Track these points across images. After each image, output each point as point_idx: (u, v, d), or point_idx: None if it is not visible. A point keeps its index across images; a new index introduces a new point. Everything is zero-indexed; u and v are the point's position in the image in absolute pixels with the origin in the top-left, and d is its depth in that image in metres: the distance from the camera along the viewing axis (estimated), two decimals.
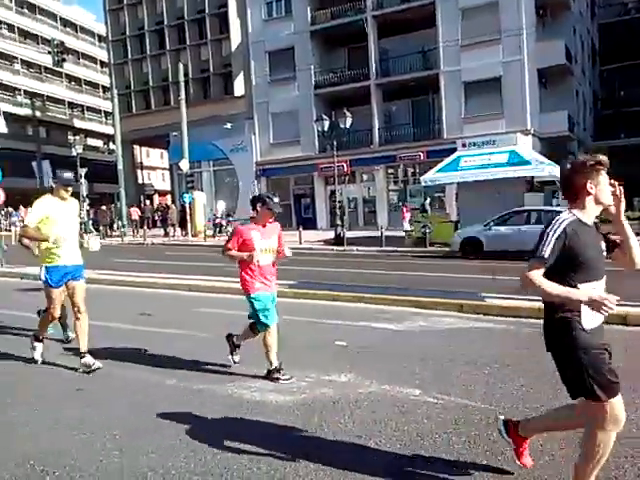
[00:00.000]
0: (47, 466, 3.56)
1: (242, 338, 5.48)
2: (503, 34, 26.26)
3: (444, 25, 27.57)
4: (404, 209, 24.23)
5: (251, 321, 5.31)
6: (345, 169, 28.80)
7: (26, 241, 6.93)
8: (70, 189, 5.67)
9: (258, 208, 5.11)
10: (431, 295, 8.96)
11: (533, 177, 19.29)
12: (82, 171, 30.80)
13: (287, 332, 6.83)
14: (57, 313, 5.75)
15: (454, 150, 21.52)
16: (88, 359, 5.55)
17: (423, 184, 21.64)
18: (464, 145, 21.16)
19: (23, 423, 4.32)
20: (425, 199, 25.63)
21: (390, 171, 30.95)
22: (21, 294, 10.60)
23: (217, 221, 29.22)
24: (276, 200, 5.18)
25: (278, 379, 5.07)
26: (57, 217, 5.49)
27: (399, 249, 18.97)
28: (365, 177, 31.71)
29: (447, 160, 20.93)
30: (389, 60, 30.31)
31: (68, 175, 5.75)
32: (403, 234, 21.17)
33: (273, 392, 4.82)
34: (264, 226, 5.15)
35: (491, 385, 4.87)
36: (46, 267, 5.48)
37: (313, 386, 4.95)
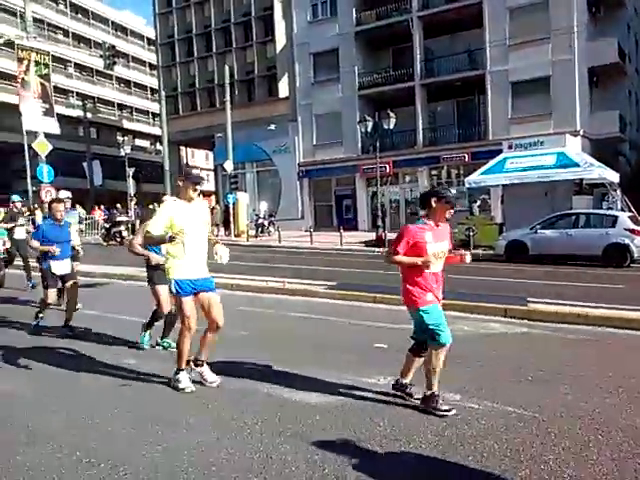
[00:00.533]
0: (93, 458, 3.67)
1: (407, 373, 4.66)
2: (553, 33, 25.62)
3: (491, 24, 27.09)
4: None
5: (413, 343, 4.63)
6: (387, 170, 28.64)
7: (139, 249, 6.08)
8: (199, 188, 4.91)
9: (433, 203, 4.33)
10: (475, 299, 8.81)
11: (582, 179, 18.73)
12: (130, 171, 31.64)
13: (326, 333, 6.85)
14: (194, 324, 4.90)
15: (500, 152, 21.12)
16: (208, 374, 5.11)
17: (467, 186, 21.33)
18: (510, 147, 20.74)
19: (73, 417, 4.46)
20: (474, 201, 25.25)
21: (434, 172, 30.60)
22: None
23: (259, 221, 29.56)
24: (454, 192, 4.50)
25: (437, 409, 4.28)
26: (184, 223, 4.70)
27: None
28: (408, 178, 31.46)
29: (492, 162, 20.57)
30: (434, 60, 30.01)
31: (197, 171, 5.02)
32: None
33: (312, 393, 4.82)
34: (437, 225, 4.39)
35: (534, 392, 4.75)
36: (176, 281, 4.82)
37: (352, 388, 4.93)
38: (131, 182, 32.01)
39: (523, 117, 26.26)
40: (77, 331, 7.23)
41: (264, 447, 3.77)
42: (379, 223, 22.20)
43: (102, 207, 34.16)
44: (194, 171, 5.00)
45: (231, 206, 28.68)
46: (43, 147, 16.77)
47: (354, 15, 30.95)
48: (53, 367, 5.71)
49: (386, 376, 5.21)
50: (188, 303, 4.80)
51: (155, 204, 35.19)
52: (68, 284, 7.44)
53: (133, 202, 32.30)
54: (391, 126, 22.60)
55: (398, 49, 31.20)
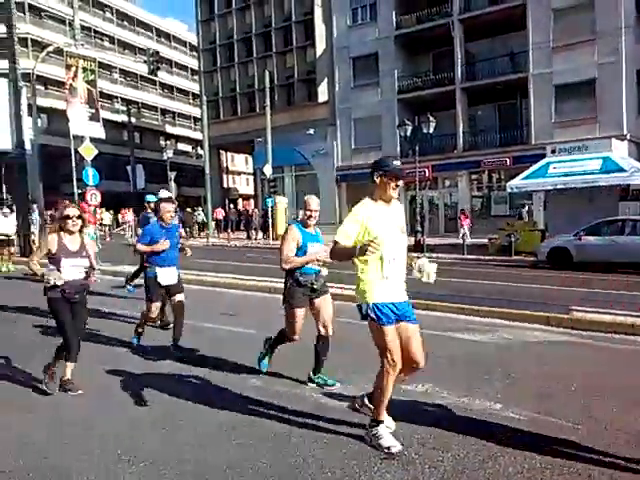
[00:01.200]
0: (132, 457, 3.75)
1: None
2: (599, 34, 24.97)
3: (535, 26, 26.59)
4: (462, 216, 23.36)
5: None
6: (427, 174, 28.39)
7: (295, 260, 5.05)
8: (402, 184, 3.94)
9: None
10: (516, 306, 8.64)
11: (629, 185, 18.17)
12: (172, 175, 32.27)
13: (367, 338, 6.80)
14: (399, 361, 3.83)
15: (542, 156, 20.70)
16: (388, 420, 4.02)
17: (509, 191, 21.00)
18: (554, 151, 20.31)
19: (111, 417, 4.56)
20: (522, 206, 24.82)
21: (474, 177, 30.21)
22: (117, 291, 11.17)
23: None
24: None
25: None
26: (382, 230, 3.79)
27: (482, 257, 18.46)
28: (447, 183, 31.13)
29: (535, 166, 20.18)
30: (475, 64, 29.65)
31: (397, 162, 3.90)
32: (486, 242, 20.54)
33: (347, 398, 4.81)
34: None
35: (577, 403, 4.62)
36: (375, 305, 3.82)
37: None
38: (173, 186, 32.61)
39: (567, 121, 25.67)
40: (185, 352, 6.31)
41: (298, 450, 3.78)
42: (418, 228, 22.03)
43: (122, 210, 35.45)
44: (394, 162, 3.88)
45: (269, 210, 28.92)
46: (89, 151, 17.25)
47: (394, 19, 30.86)
48: (173, 396, 4.93)
49: (424, 383, 5.16)
50: (391, 333, 3.81)
51: (196, 208, 35.70)
52: (175, 298, 6.48)
53: (175, 205, 32.92)
54: (431, 130, 22.41)
55: (438, 52, 30.95)
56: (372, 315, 3.84)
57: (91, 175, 16.57)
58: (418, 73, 31.09)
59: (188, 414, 4.51)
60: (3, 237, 14.77)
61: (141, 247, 6.49)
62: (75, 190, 20.88)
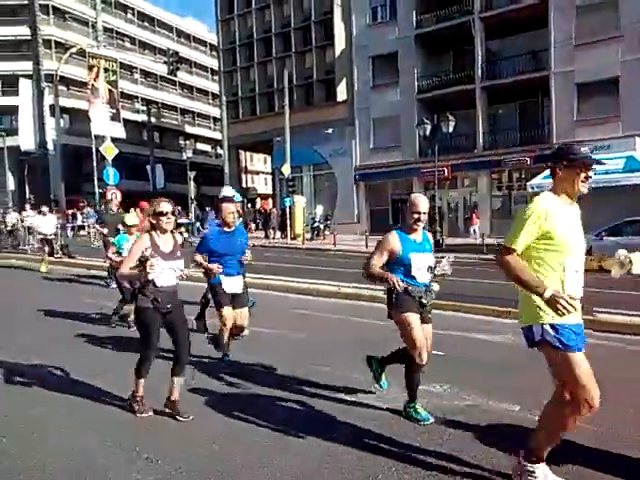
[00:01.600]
0: (152, 454, 3.78)
1: None
2: (623, 31, 24.56)
3: (557, 24, 26.23)
4: (473, 215, 23.06)
5: None
6: (446, 174, 28.20)
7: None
8: (592, 174, 3.15)
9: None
10: None
11: None
12: (191, 174, 32.47)
13: (384, 338, 6.78)
14: (595, 398, 3.08)
15: None
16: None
17: (530, 190, 20.80)
18: None
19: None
20: None
21: (494, 176, 29.91)
22: None
23: (315, 225, 29.72)
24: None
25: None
26: (567, 232, 3.06)
27: None
28: (467, 182, 30.88)
29: None
30: (496, 62, 29.35)
31: (585, 148, 3.16)
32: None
33: (366, 399, 4.79)
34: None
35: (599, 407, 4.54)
36: (555, 327, 2.99)
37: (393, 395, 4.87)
38: (192, 185, 32.82)
39: (589, 119, 25.28)
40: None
41: (319, 452, 3.78)
42: (437, 228, 21.91)
43: None
44: (582, 149, 3.14)
45: (288, 209, 28.97)
46: (110, 151, 17.45)
47: (414, 18, 30.68)
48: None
49: (442, 384, 5.12)
50: (583, 364, 2.98)
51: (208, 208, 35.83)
52: (238, 310, 5.87)
53: (194, 205, 33.11)
54: (450, 129, 22.28)
55: (458, 51, 30.71)
56: (551, 340, 2.98)
57: (112, 175, 16.75)
58: (438, 72, 30.87)
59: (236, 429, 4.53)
60: (42, 237, 14.71)
61: (198, 258, 5.66)
62: (96, 189, 21.17)
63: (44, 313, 8.93)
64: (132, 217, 8.09)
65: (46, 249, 14.86)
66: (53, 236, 15.36)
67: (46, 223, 14.80)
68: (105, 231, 10.73)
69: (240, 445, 3.88)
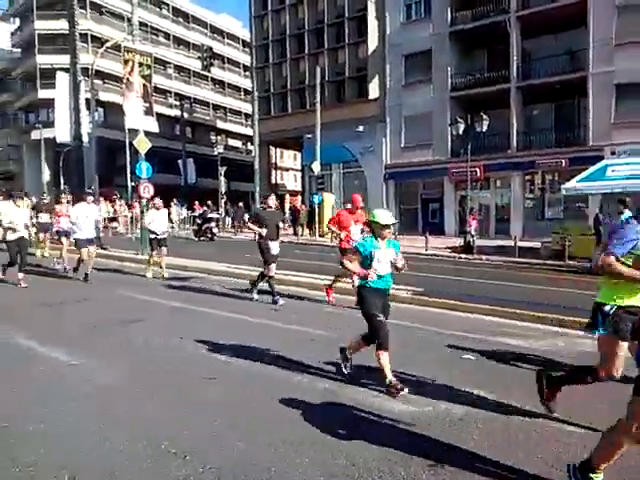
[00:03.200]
0: (178, 449, 3.77)
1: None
2: None
3: (596, 23, 25.60)
4: (471, 217, 22.58)
5: None
6: (478, 174, 27.83)
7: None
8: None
9: None
10: (570, 313, 8.31)
11: None
12: (222, 170, 32.69)
13: (410, 342, 6.70)
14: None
15: (600, 158, 19.96)
16: None
17: (564, 193, 20.30)
18: (613, 153, 19.60)
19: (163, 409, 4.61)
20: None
21: (527, 178, 29.39)
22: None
23: None
24: None
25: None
26: None
27: (534, 261, 17.91)
28: (499, 183, 30.40)
29: (592, 168, 19.43)
30: (532, 61, 28.83)
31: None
32: (538, 245, 19.95)
33: (397, 401, 4.71)
34: None
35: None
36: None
37: (438, 398, 4.77)
38: (222, 180, 33.04)
39: (628, 122, 24.59)
40: None
41: (346, 451, 3.72)
42: (467, 229, 21.61)
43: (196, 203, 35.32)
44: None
45: (316, 206, 28.93)
46: (143, 144, 17.57)
47: (449, 15, 30.32)
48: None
49: (474, 388, 5.00)
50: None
51: (240, 203, 35.99)
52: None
53: (224, 200, 33.35)
54: (484, 129, 21.95)
55: (493, 50, 30.23)
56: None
57: (144, 168, 16.85)
58: (472, 70, 30.45)
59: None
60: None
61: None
62: (129, 182, 21.40)
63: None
64: None
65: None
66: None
67: (92, 213, 14.25)
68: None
69: (270, 444, 3.84)
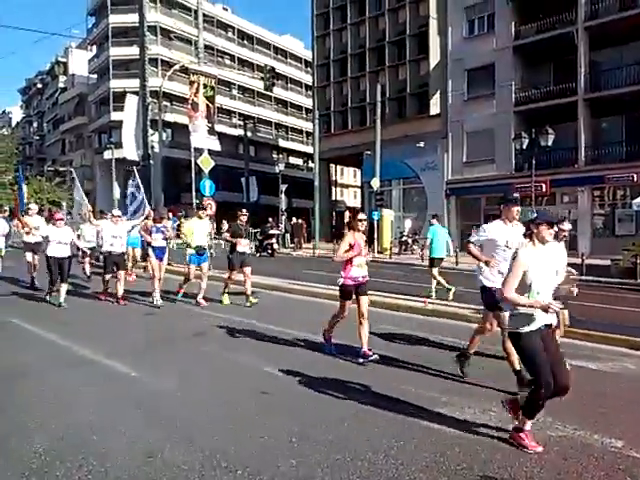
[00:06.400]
0: (231, 463, 3.81)
1: None
2: None
3: None
4: (473, 231, 21.45)
5: None
6: (544, 189, 26.98)
7: None
8: None
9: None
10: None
11: None
12: (283, 187, 33.15)
13: (472, 361, 6.53)
14: None
15: None
16: None
17: (635, 208, 19.43)
18: None
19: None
20: None
21: (596, 193, 28.24)
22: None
23: (403, 239, 29.36)
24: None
25: None
26: None
27: (603, 279, 17.12)
28: (566, 199, 29.34)
29: None
30: (600, 73, 27.81)
31: None
32: (609, 263, 19.05)
33: (445, 420, 4.60)
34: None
35: None
36: None
37: (495, 420, 4.62)
38: (283, 198, 33.49)
39: None
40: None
41: (395, 473, 3.65)
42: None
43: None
44: None
45: (375, 223, 28.82)
46: (207, 163, 18.14)
47: (513, 29, 29.78)
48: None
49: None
50: None
51: (300, 220, 36.31)
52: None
53: (284, 217, 33.78)
54: (549, 143, 21.33)
55: (559, 63, 29.37)
56: None
57: (208, 186, 17.36)
58: (537, 84, 29.68)
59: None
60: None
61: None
62: (193, 200, 22.05)
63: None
64: None
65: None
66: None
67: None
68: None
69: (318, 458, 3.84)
